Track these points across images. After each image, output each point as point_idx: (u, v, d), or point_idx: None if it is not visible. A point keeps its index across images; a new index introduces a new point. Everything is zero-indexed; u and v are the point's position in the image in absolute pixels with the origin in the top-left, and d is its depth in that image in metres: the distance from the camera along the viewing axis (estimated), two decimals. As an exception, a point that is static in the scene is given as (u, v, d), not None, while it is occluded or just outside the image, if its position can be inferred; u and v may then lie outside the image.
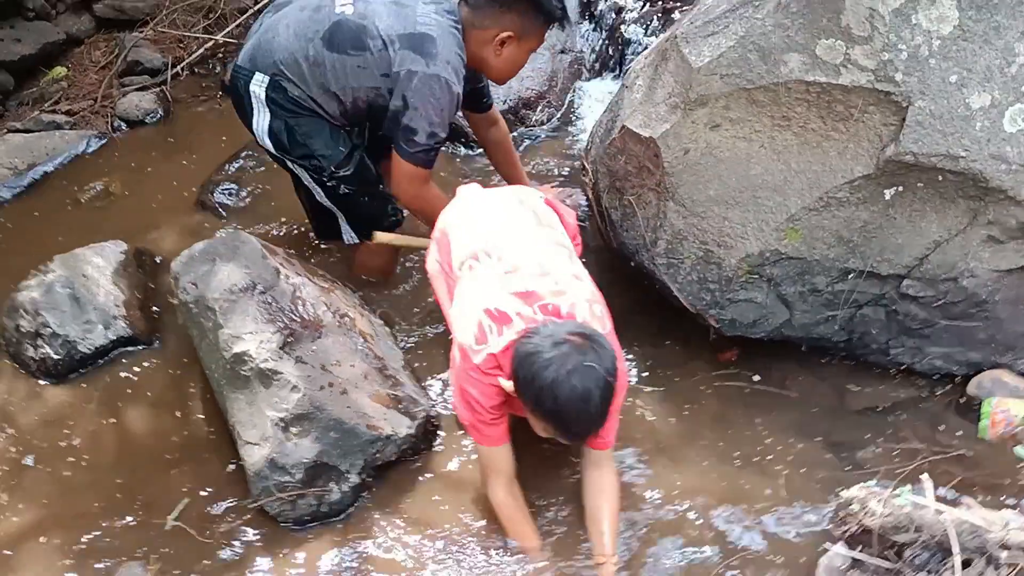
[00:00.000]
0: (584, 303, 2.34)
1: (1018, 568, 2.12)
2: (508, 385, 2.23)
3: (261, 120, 3.06)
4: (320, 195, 3.17)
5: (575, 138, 4.27)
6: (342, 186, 3.10)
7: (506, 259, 2.45)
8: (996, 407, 2.68)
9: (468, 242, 2.57)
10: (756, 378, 2.96)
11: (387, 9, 2.93)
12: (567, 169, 4.01)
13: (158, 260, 3.59)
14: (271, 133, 3.05)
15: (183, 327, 3.14)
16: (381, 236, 3.20)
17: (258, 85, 3.00)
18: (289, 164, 3.16)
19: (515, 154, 3.61)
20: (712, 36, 2.65)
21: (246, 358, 2.64)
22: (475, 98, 3.32)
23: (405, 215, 3.28)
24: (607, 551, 2.37)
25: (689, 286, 2.84)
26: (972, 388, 2.79)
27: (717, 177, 2.69)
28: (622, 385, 2.28)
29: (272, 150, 3.12)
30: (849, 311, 2.79)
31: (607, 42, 4.62)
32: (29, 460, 2.86)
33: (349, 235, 3.30)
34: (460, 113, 3.31)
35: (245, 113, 3.11)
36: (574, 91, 4.56)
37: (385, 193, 3.21)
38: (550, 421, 2.18)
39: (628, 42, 4.43)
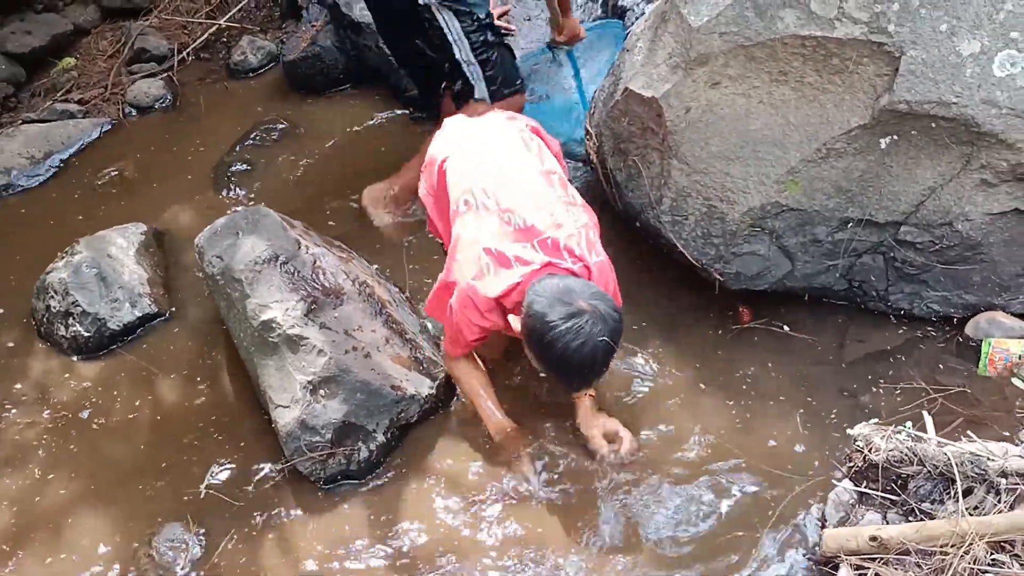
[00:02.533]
0: (580, 233, 2.51)
1: (1018, 494, 2.23)
2: (516, 323, 2.39)
3: None
4: (463, 50, 3.32)
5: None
6: (488, 33, 3.34)
7: (503, 196, 2.56)
8: (995, 346, 2.78)
9: (463, 176, 2.68)
10: (757, 325, 3.05)
11: None
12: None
13: (176, 238, 3.70)
14: None
15: (205, 301, 3.27)
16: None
17: None
18: (439, 15, 3.26)
19: None
20: (709, -5, 2.74)
21: (273, 325, 2.75)
22: None
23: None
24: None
25: (694, 241, 2.94)
26: (970, 329, 2.88)
27: (718, 133, 2.78)
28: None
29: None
30: (849, 260, 2.88)
31: (604, 11, 4.68)
32: (69, 434, 2.98)
33: (483, 91, 3.43)
34: None
35: None
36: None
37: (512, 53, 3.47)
38: (553, 375, 2.42)
39: (624, 9, 4.49)
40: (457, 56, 3.35)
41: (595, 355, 2.26)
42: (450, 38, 3.32)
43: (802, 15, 2.57)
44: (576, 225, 2.52)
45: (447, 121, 2.98)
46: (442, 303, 2.60)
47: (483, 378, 2.74)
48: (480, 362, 2.76)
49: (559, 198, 2.59)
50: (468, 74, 3.41)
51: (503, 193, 2.56)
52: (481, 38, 3.34)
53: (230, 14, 5.23)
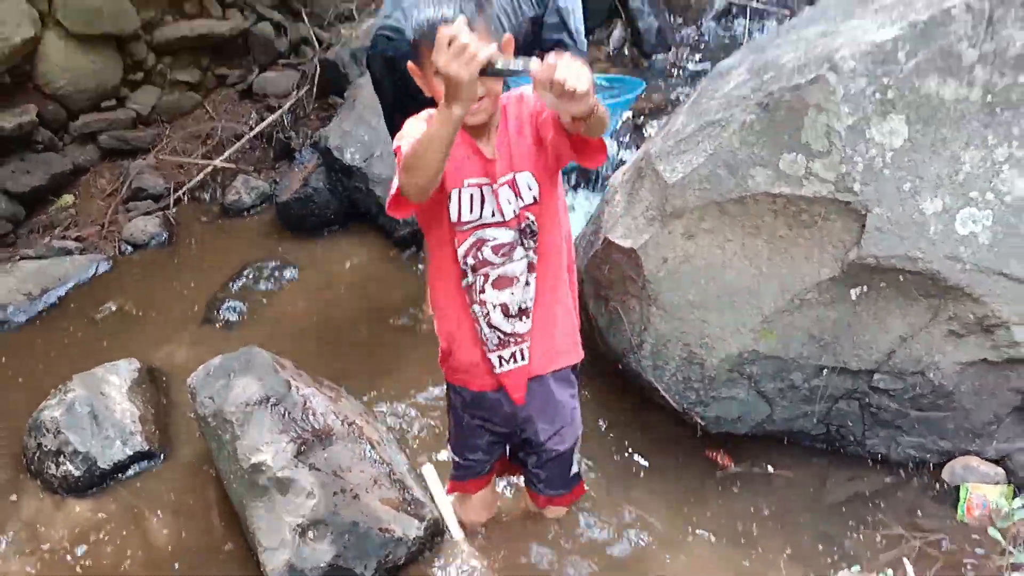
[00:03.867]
0: None
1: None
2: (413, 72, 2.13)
3: None
4: None
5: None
6: None
7: None
8: (972, 492, 2.83)
9: None
10: (739, 469, 3.11)
11: None
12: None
13: (169, 375, 3.76)
14: None
15: (196, 439, 3.30)
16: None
17: None
18: None
19: None
20: (684, 154, 2.90)
21: (263, 468, 2.79)
22: None
23: None
24: None
25: (675, 386, 3.02)
26: (946, 474, 2.94)
27: (695, 283, 2.90)
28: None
29: None
30: (825, 405, 2.97)
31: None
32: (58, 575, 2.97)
33: None
34: None
35: None
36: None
37: None
38: (416, 38, 2.09)
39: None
40: None
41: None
42: None
43: (772, 174, 2.72)
44: None
45: None
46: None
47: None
48: None
49: None
50: None
51: None
52: None
53: (225, 155, 5.44)
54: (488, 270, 2.25)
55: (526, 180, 2.20)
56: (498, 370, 2.36)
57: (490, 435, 2.54)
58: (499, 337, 2.32)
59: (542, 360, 2.38)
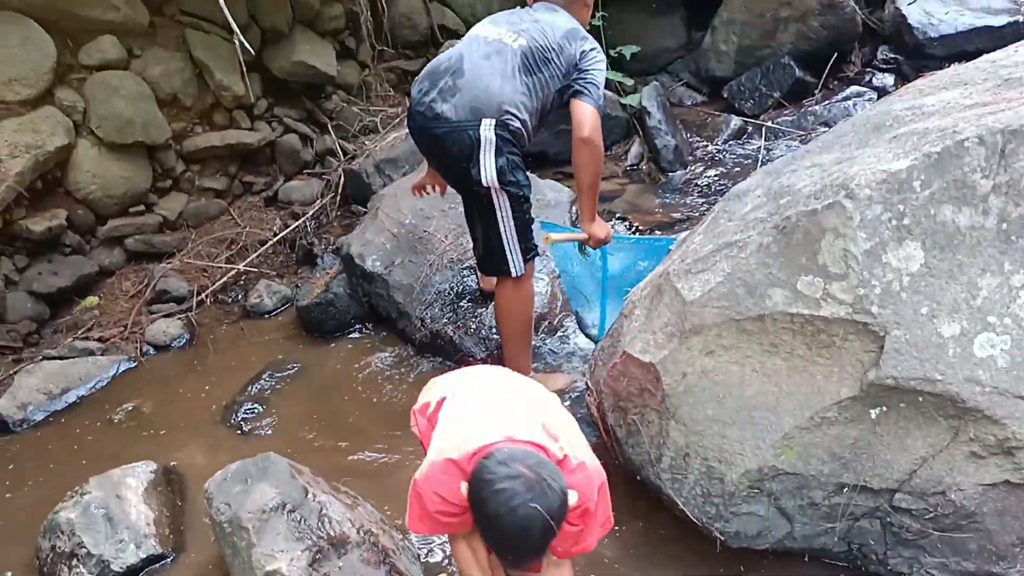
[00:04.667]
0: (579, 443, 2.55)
1: None
2: (464, 489, 2.36)
3: (488, 159, 3.59)
4: (509, 227, 3.73)
5: (576, 355, 4.51)
6: (528, 212, 3.78)
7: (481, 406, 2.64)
8: (995, 616, 2.79)
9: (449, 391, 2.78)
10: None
11: (538, 26, 3.76)
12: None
13: (186, 477, 3.76)
14: (498, 169, 3.59)
15: (210, 543, 3.28)
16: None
17: (487, 129, 3.56)
18: (496, 197, 3.67)
19: (580, 158, 3.78)
20: (702, 273, 2.96)
21: (278, 576, 2.78)
22: None
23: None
24: None
25: (694, 499, 3.01)
26: (969, 597, 2.90)
27: (714, 398, 2.92)
28: (593, 501, 2.45)
29: (496, 184, 3.62)
30: (847, 523, 2.94)
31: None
32: None
33: (518, 267, 3.83)
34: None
35: (464, 158, 3.62)
36: (573, 314, 4.85)
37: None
38: (487, 540, 2.43)
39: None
40: (504, 231, 3.74)
41: (527, 524, 2.22)
42: (502, 217, 3.71)
43: (789, 294, 2.76)
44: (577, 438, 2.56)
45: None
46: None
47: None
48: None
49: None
50: (509, 257, 3.78)
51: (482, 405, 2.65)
52: (523, 216, 3.76)
53: (249, 259, 5.55)
54: None
55: None
56: None
57: None
58: None
59: None
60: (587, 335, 4.41)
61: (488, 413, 2.57)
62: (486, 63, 3.66)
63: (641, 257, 4.15)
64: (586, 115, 3.68)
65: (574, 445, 2.51)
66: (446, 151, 3.67)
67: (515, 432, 2.40)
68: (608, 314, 4.18)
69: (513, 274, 3.83)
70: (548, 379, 4.02)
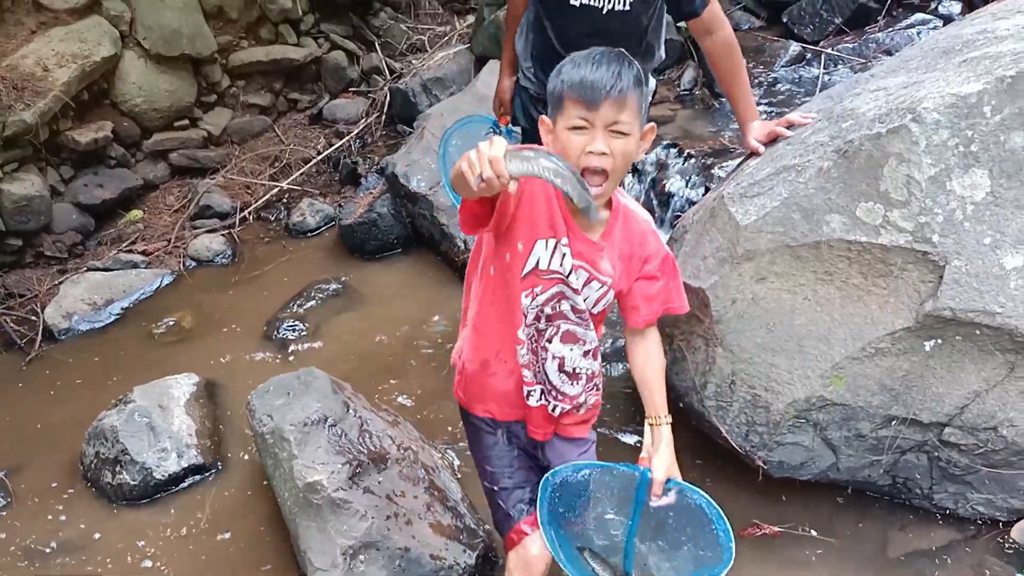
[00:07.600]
0: None
1: None
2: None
3: None
4: None
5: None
6: None
7: None
8: (1040, 554, 2.75)
9: None
10: (803, 529, 3.02)
11: None
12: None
13: (227, 391, 3.79)
14: None
15: (251, 455, 3.31)
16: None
17: None
18: None
19: (738, 70, 3.16)
20: (757, 196, 2.87)
21: (318, 487, 2.78)
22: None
23: None
24: (659, 411, 2.40)
25: (738, 428, 2.97)
26: (1016, 533, 2.85)
27: (764, 326, 2.85)
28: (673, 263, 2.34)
29: None
30: (893, 456, 2.89)
31: (650, 194, 4.87)
32: (106, 584, 2.99)
33: None
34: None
35: None
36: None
37: None
38: (563, 90, 2.08)
39: (670, 195, 4.68)
40: None
41: (601, 51, 2.07)
42: None
43: (848, 221, 2.68)
44: None
45: None
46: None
47: None
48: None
49: None
50: None
51: None
52: None
53: (292, 178, 5.52)
54: (561, 323, 2.25)
55: (608, 295, 2.27)
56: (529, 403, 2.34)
57: (518, 450, 2.46)
58: (542, 389, 2.31)
59: (566, 428, 2.40)
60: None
61: None
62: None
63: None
64: (720, 13, 3.08)
65: None
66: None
67: None
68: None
69: None
70: None
